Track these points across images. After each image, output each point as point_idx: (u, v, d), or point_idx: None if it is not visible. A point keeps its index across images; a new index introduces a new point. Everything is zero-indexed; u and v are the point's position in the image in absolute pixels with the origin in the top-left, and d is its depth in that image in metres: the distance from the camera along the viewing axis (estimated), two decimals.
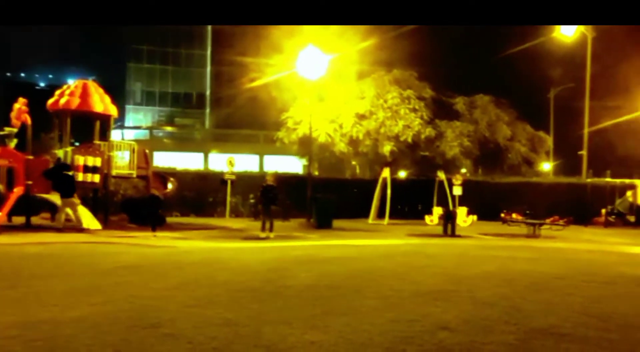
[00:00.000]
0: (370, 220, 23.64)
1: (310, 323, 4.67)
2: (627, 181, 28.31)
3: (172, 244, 12.43)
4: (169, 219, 18.79)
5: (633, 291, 6.35)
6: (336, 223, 19.32)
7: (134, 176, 18.39)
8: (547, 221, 19.49)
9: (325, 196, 19.71)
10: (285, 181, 22.67)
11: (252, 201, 24.33)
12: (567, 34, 34.67)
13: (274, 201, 14.96)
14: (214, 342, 4.09)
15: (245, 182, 24.74)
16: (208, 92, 60.81)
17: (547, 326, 4.66)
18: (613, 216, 27.26)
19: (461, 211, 21.10)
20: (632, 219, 27.03)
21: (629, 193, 27.52)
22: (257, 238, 14.15)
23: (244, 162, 35.13)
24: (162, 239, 13.26)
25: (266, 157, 49.05)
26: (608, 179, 28.69)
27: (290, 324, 4.61)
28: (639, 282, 6.97)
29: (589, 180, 30.08)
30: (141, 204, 17.22)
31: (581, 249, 12.17)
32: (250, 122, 45.87)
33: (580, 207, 27.46)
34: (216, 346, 4.02)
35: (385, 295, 5.94)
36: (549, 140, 31.10)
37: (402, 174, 31.26)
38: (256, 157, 48.65)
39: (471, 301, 5.67)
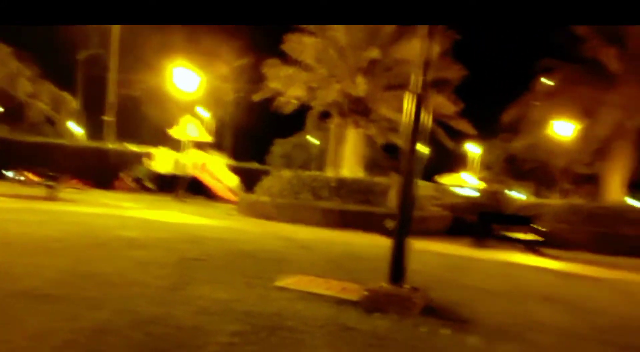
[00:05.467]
0: None
1: None
2: (146, 148, 30.42)
3: None
4: None
5: (121, 253, 6.82)
6: None
7: None
8: (67, 183, 19.31)
9: None
10: None
11: None
12: None
13: None
14: None
15: None
16: None
17: (31, 288, 4.62)
18: (133, 181, 28.96)
19: None
20: (149, 185, 29.26)
21: (147, 160, 29.66)
22: None
23: None
24: None
25: None
26: (129, 146, 30.22)
27: None
28: (129, 244, 7.53)
29: (112, 145, 31.09)
30: None
31: (92, 212, 12.46)
32: None
33: (104, 172, 28.20)
34: None
35: None
36: (74, 102, 30.74)
37: None
38: None
39: None
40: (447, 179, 45.34)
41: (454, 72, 17.27)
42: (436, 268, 8.38)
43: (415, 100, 5.38)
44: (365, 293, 5.22)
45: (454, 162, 47.67)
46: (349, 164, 18.29)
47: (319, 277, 6.29)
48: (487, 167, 45.88)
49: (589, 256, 13.68)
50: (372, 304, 5.08)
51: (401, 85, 16.81)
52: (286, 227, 13.28)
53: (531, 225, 13.76)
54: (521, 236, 13.20)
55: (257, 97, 18.43)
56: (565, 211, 16.52)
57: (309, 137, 46.02)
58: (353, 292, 5.49)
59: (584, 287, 8.28)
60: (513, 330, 4.96)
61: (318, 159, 42.17)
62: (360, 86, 16.32)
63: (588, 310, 6.33)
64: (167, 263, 6.37)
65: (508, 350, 4.35)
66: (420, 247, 11.34)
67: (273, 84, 17.12)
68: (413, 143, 5.37)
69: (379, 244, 11.17)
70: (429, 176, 46.33)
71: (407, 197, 5.41)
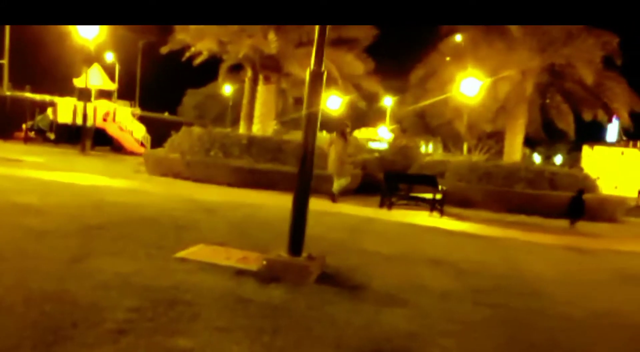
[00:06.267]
0: None
1: None
2: (48, 97, 28.91)
3: None
4: None
5: (16, 221, 6.61)
6: None
7: None
8: None
9: None
10: None
11: None
12: None
13: None
14: None
15: None
16: None
17: None
18: (34, 132, 27.58)
19: None
20: (52, 136, 28.01)
21: (49, 110, 28.25)
22: None
23: None
24: None
25: None
26: (28, 94, 28.61)
27: None
28: (25, 211, 7.30)
29: (9, 92, 29.29)
30: None
31: None
32: None
33: (0, 121, 26.67)
34: None
35: None
36: None
37: None
38: None
39: None
40: (363, 133, 46.22)
41: (364, 31, 17.45)
42: (338, 231, 8.74)
43: (311, 78, 5.53)
44: (264, 263, 5.43)
45: (372, 116, 48.51)
46: (262, 119, 18.29)
47: (221, 245, 6.44)
48: (398, 121, 47.04)
49: (486, 214, 14.64)
50: (270, 274, 5.30)
51: (312, 43, 16.79)
52: (195, 187, 13.23)
53: (435, 184, 14.45)
54: (425, 195, 13.87)
55: (164, 50, 17.88)
56: (464, 168, 17.45)
57: (223, 88, 45.24)
58: (253, 261, 5.68)
59: (473, 248, 8.94)
60: (400, 295, 5.36)
61: (233, 110, 41.60)
62: (272, 43, 16.19)
63: (471, 271, 6.90)
64: (66, 233, 6.29)
65: (391, 315, 4.71)
66: (327, 208, 11.74)
67: (181, 36, 16.61)
68: (311, 120, 5.53)
69: (287, 206, 11.41)
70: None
71: (306, 168, 5.59)
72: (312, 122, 5.56)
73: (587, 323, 5.25)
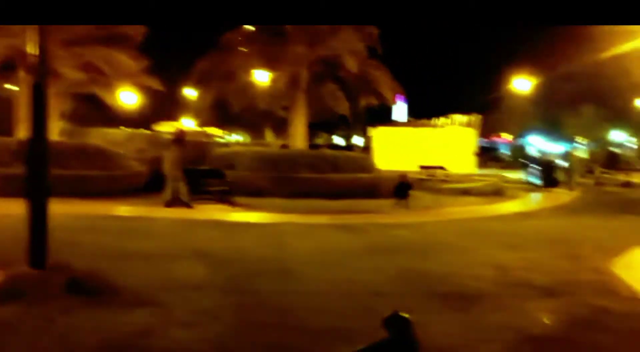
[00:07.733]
0: None
1: None
2: None
3: None
4: None
5: None
6: None
7: None
8: None
9: None
10: None
11: None
12: None
13: None
14: None
15: None
16: None
17: None
18: None
19: None
20: None
21: None
22: None
23: None
24: None
25: None
26: None
27: None
28: None
29: None
30: None
31: None
32: None
33: None
34: None
35: None
36: None
37: None
38: None
39: None
40: (163, 127, 44.93)
41: (134, 28, 17.07)
42: (103, 235, 8.68)
43: (33, 90, 5.52)
44: (3, 279, 5.30)
45: (175, 108, 47.07)
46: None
47: None
48: (198, 113, 46.53)
49: (273, 201, 15.12)
50: (10, 290, 5.19)
51: (79, 42, 16.09)
52: None
53: (221, 176, 14.85)
54: (213, 188, 14.24)
55: None
56: (252, 158, 18.08)
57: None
58: None
59: (247, 237, 9.44)
60: (149, 293, 5.58)
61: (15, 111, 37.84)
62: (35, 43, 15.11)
63: (234, 260, 7.35)
64: None
65: (133, 314, 4.93)
66: (100, 211, 11.54)
67: None
68: (38, 132, 5.52)
69: (56, 211, 10.90)
70: (146, 124, 44.99)
71: (38, 179, 5.59)
72: (39, 130, 5.60)
73: (322, 295, 5.91)
